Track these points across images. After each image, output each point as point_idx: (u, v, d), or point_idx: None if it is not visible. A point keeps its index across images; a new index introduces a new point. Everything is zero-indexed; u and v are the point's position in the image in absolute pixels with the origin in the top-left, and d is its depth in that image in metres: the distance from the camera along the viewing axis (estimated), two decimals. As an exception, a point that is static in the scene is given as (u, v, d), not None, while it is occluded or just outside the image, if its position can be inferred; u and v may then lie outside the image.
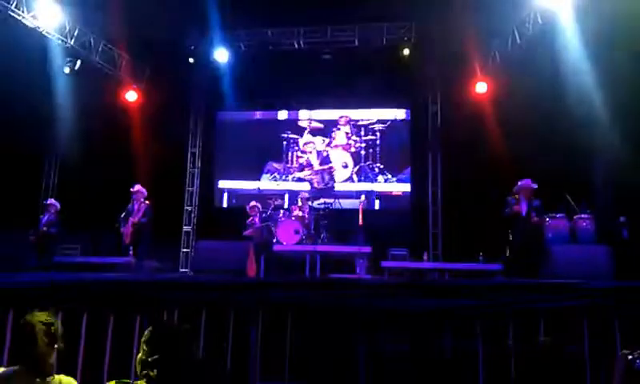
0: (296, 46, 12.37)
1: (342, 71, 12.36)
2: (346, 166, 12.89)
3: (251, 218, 10.01)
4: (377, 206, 12.53)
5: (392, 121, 12.95)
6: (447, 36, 11.29)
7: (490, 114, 11.13)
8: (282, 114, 13.46)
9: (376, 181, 12.72)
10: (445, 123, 12.18)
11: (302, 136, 13.20)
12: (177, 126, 12.72)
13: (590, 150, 10.63)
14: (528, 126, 10.26)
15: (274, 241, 9.86)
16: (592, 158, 10.76)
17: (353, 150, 12.95)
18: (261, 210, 10.22)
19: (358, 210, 10.02)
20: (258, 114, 13.70)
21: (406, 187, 12.62)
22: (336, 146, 13.04)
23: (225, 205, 13.20)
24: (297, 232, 9.97)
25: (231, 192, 13.24)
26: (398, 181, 12.67)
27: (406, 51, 11.92)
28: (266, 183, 12.99)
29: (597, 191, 10.65)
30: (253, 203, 10.18)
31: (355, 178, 12.80)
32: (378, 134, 12.91)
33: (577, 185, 9.73)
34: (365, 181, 12.75)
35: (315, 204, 11.16)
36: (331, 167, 12.87)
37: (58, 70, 11.32)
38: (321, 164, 12.99)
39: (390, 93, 12.77)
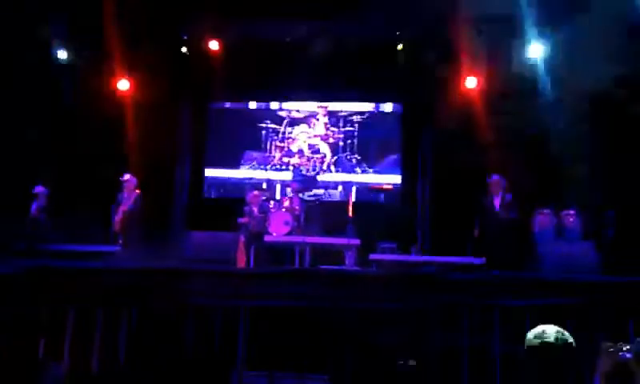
0: (287, 37, 12.33)
1: (335, 64, 12.32)
2: (324, 157, 12.96)
3: (249, 205, 9.93)
4: (353, 198, 12.42)
5: (370, 112, 12.99)
6: (440, 30, 11.30)
7: (480, 108, 11.17)
8: (273, 105, 13.38)
9: (354, 172, 12.78)
10: (436, 117, 12.18)
11: (281, 125, 13.18)
12: (168, 115, 12.65)
13: (580, 145, 10.73)
14: (519, 120, 10.32)
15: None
16: (582, 153, 10.86)
17: (331, 140, 13.00)
18: (261, 200, 10.14)
19: (347, 202, 10.04)
20: (250, 104, 13.55)
21: (387, 179, 12.64)
22: (315, 136, 13.07)
23: (204, 195, 13.19)
24: (287, 223, 9.98)
25: (211, 182, 13.18)
26: (375, 172, 12.73)
27: (399, 46, 11.97)
28: (250, 172, 12.97)
29: (585, 186, 10.76)
30: (256, 192, 10.08)
31: (333, 168, 12.86)
32: (356, 125, 12.95)
33: (567, 179, 9.83)
34: (342, 172, 12.82)
35: (306, 196, 11.17)
36: (324, 155, 12.87)
37: (49, 57, 11.23)
38: (313, 153, 13.01)
39: (382, 85, 12.75)
